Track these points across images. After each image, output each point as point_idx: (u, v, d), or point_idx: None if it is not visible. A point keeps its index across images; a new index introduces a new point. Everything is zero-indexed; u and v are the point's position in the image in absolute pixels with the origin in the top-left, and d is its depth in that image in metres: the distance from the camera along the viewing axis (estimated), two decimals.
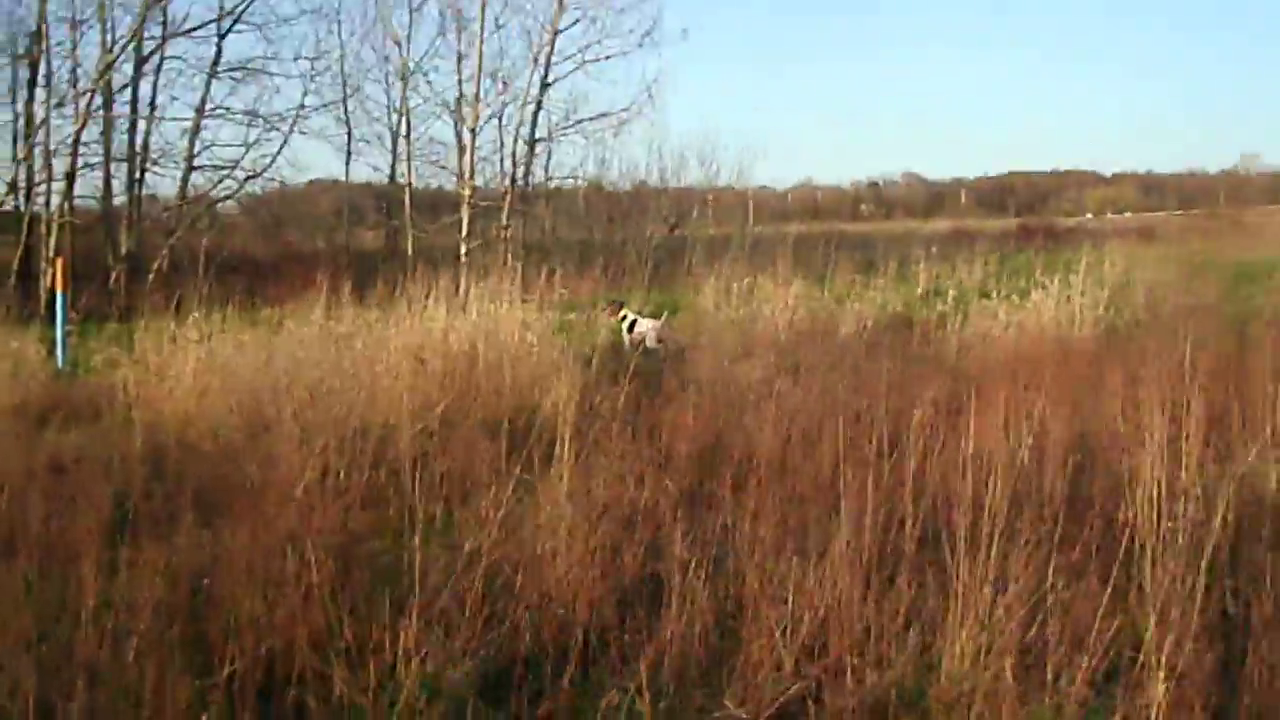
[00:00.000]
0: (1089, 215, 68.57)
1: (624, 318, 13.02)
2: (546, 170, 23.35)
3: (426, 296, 11.75)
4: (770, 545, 4.79)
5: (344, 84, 23.78)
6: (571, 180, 23.57)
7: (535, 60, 21.81)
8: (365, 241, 26.57)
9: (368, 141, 24.42)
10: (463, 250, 20.93)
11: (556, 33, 21.57)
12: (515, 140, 22.19)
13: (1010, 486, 4.70)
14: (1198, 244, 32.30)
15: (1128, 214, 68.30)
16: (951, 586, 4.13)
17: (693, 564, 4.41)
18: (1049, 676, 3.78)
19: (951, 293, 13.26)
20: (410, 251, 21.87)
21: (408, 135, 23.20)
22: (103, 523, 5.73)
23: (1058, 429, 6.11)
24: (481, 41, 21.41)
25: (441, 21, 23.08)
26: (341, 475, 6.45)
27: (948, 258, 22.66)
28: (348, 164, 24.62)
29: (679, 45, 40.99)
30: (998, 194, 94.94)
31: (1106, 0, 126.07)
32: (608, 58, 21.91)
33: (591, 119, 22.21)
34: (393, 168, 24.37)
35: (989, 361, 9.14)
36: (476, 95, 21.60)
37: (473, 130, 21.58)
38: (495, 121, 22.62)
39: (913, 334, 12.05)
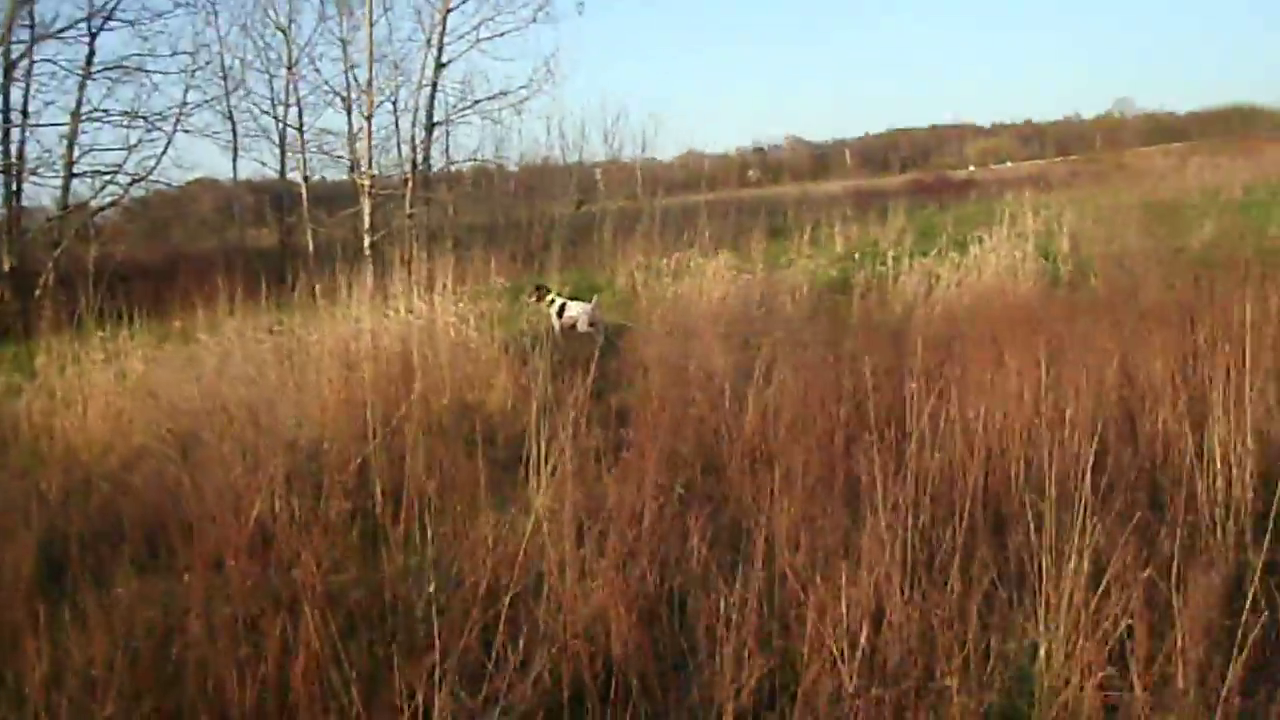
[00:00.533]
0: (972, 167, 69.62)
1: (551, 301, 12.50)
2: (446, 154, 22.55)
3: (345, 294, 11.17)
4: (801, 546, 4.38)
5: (225, 78, 22.72)
6: (471, 163, 22.80)
7: (428, 41, 20.98)
8: (258, 240, 25.54)
9: (254, 136, 23.45)
10: (366, 242, 20.12)
11: (448, 11, 20.69)
12: (413, 125, 21.39)
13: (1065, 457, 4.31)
14: (1092, 188, 32.77)
15: (1008, 163, 69.49)
16: (1029, 581, 3.73)
17: (723, 581, 3.98)
18: (1182, 683, 3.33)
19: (890, 253, 12.93)
20: (311, 247, 21.03)
21: (300, 127, 22.22)
22: (28, 577, 5.16)
23: (1076, 390, 5.72)
24: (371, 24, 20.54)
25: (323, 6, 22.17)
26: (296, 503, 5.89)
27: (854, 218, 22.48)
28: (235, 161, 23.64)
29: (575, 19, 40.06)
30: (881, 152, 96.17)
31: None
32: (502, 34, 21.07)
33: (490, 99, 21.40)
34: (282, 162, 23.42)
35: (954, 321, 8.80)
36: (369, 81, 20.76)
37: (367, 117, 20.68)
38: (389, 107, 21.83)
39: (853, 298, 11.73)
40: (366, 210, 20.32)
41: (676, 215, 22.33)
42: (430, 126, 21.23)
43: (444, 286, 10.63)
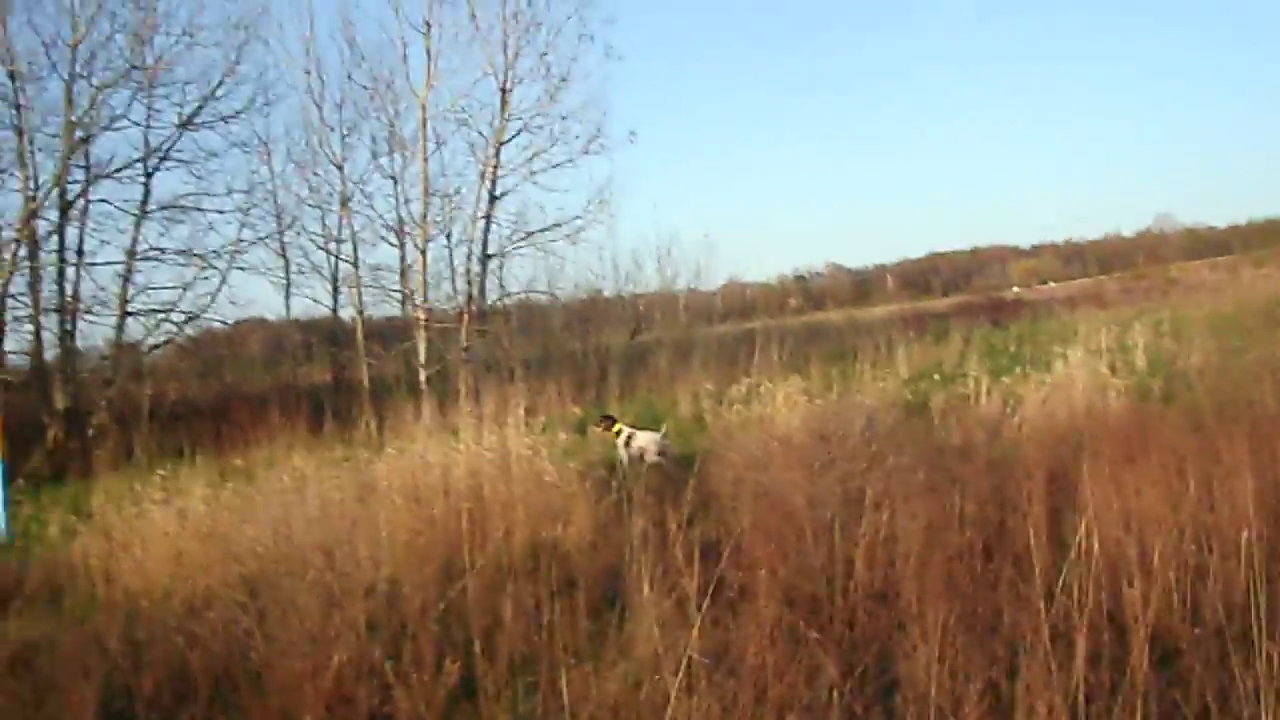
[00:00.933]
0: (1016, 288, 69.36)
1: (619, 432, 12.08)
2: (500, 285, 22.33)
3: (410, 427, 10.86)
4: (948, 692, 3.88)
5: (279, 216, 22.83)
6: (525, 294, 22.59)
7: (482, 175, 20.95)
8: (309, 377, 25.39)
9: (306, 273, 23.48)
10: (422, 376, 19.87)
11: (501, 144, 20.73)
12: (469, 257, 21.19)
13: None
14: (1150, 303, 32.31)
15: (1051, 284, 69.17)
16: None
17: None
18: None
19: (968, 373, 12.49)
20: (366, 382, 20.80)
21: (355, 262, 22.19)
22: None
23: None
24: (425, 159, 20.58)
25: (375, 143, 22.34)
26: (378, 653, 5.43)
27: (911, 340, 22.08)
28: (288, 298, 23.59)
29: (627, 149, 40.26)
30: (921, 276, 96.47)
31: (1008, 80, 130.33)
32: (556, 166, 21.05)
33: (544, 230, 21.24)
34: (335, 298, 23.36)
35: (1054, 441, 8.27)
36: (424, 214, 20.73)
37: (422, 250, 20.59)
38: (443, 240, 21.70)
39: (932, 420, 11.23)
40: (422, 344, 20.11)
41: (730, 343, 22.07)
42: (485, 259, 21.08)
43: (513, 418, 10.23)
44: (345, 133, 22.52)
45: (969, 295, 50.34)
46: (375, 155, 22.13)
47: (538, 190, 21.80)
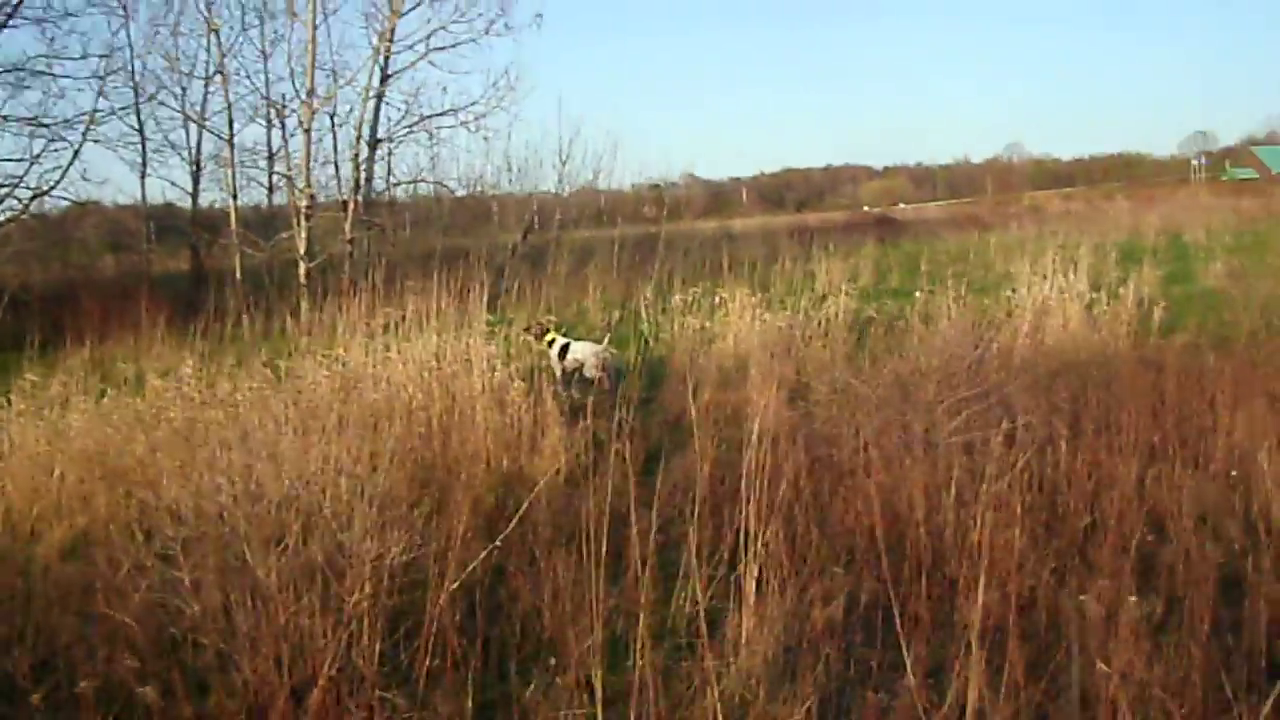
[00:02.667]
0: (866, 206, 69.85)
1: (551, 341, 10.63)
2: (390, 174, 20.41)
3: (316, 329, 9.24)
4: None
5: (136, 86, 20.30)
6: (415, 184, 20.54)
7: (375, 50, 18.65)
8: (162, 266, 22.96)
9: (161, 152, 21.04)
10: (301, 270, 17.85)
11: (399, 15, 18.49)
12: (358, 140, 19.00)
13: None
14: (1036, 228, 32.07)
15: (902, 205, 69.77)
16: None
17: None
18: None
19: (925, 289, 11.42)
20: (239, 275, 18.67)
21: (230, 138, 19.77)
22: None
23: None
24: (314, 27, 18.18)
25: (255, 7, 19.93)
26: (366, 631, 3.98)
27: (806, 256, 20.89)
28: (143, 179, 21.10)
29: (534, 36, 37.56)
30: (776, 191, 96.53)
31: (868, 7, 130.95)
32: (455, 45, 19.00)
33: (441, 114, 19.30)
34: (195, 180, 20.98)
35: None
36: (310, 89, 18.41)
37: (306, 129, 18.29)
38: (327, 122, 19.49)
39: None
40: (302, 234, 18.03)
41: (631, 249, 20.59)
42: (374, 143, 19.03)
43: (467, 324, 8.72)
44: None
45: (852, 212, 49.88)
46: (246, 27, 19.80)
47: (435, 73, 19.64)
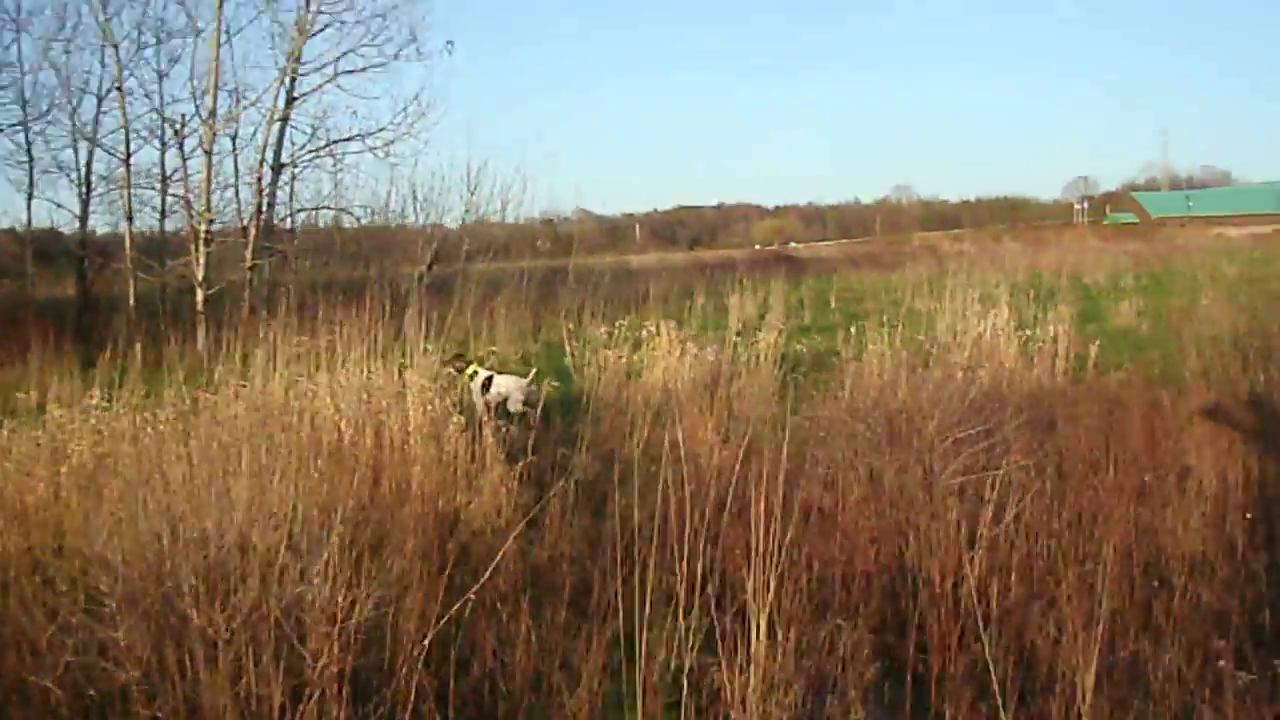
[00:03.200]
0: (757, 245, 70.71)
1: (473, 374, 10.21)
2: (292, 200, 19.66)
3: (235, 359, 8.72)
4: None
5: (24, 104, 19.35)
6: (320, 210, 19.80)
7: (282, 72, 17.93)
8: (45, 293, 21.84)
9: (50, 174, 20.03)
10: (199, 297, 17.02)
11: (305, 37, 17.75)
12: (262, 164, 18.22)
13: None
14: (938, 267, 32.48)
15: (795, 244, 70.71)
16: None
17: None
18: None
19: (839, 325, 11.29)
20: (132, 301, 17.77)
21: (127, 159, 18.79)
22: None
23: None
24: (218, 45, 17.43)
25: (153, 24, 19.05)
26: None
27: (715, 291, 20.72)
28: (29, 200, 20.07)
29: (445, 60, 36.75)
30: (669, 227, 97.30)
31: (759, 46, 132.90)
32: (363, 70, 18.46)
33: (348, 139, 18.65)
34: (84, 204, 19.93)
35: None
36: (213, 109, 17.66)
37: (207, 151, 17.48)
38: (228, 144, 18.69)
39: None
40: (200, 260, 17.19)
41: (539, 283, 20.20)
42: (277, 167, 18.30)
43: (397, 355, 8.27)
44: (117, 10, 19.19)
45: (766, 249, 50.02)
46: (143, 45, 18.85)
47: (343, 96, 18.94)
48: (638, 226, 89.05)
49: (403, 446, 6.87)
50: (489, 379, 10.13)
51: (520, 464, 6.89)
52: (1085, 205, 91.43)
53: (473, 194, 20.30)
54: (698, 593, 4.87)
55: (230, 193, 18.65)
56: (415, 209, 20.37)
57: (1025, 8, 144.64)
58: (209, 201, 17.30)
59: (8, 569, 5.35)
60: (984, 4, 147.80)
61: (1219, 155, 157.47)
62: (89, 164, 19.76)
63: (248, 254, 17.51)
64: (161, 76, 18.95)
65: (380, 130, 18.73)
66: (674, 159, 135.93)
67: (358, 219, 19.81)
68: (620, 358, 10.85)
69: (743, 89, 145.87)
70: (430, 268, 19.93)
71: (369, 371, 7.90)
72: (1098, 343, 10.30)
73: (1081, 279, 24.98)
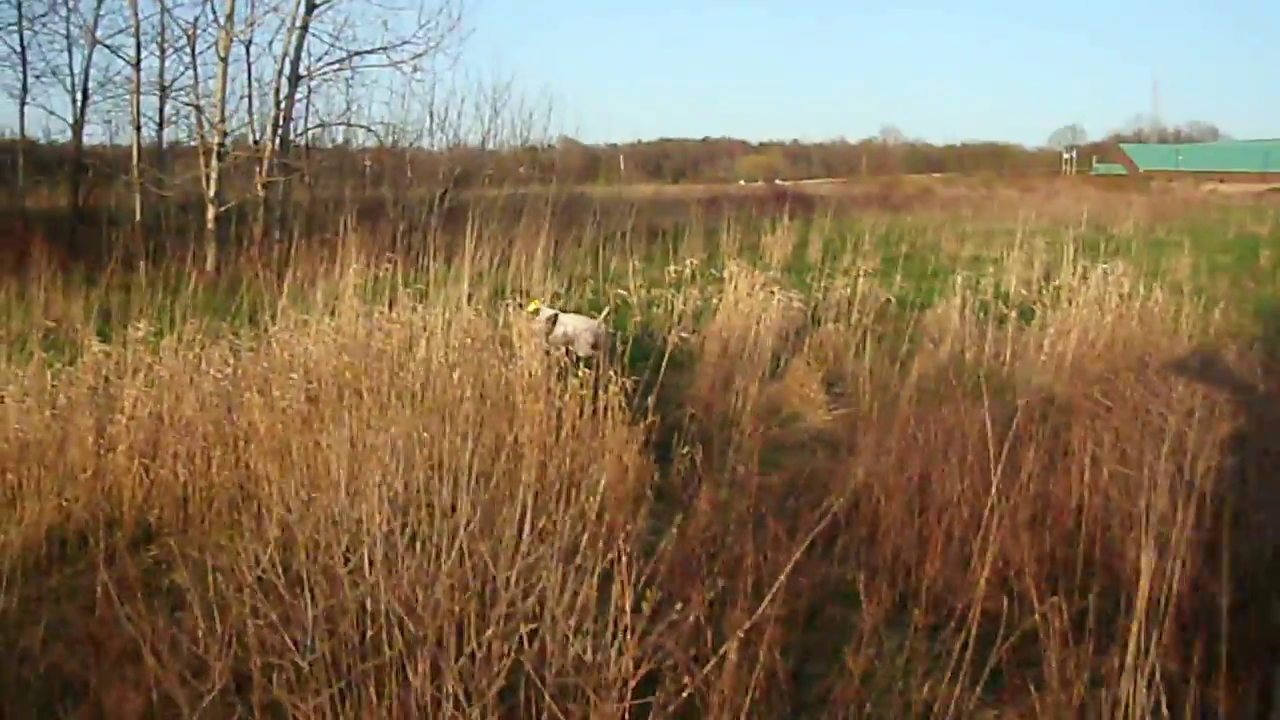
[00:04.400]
0: (742, 180, 69.70)
1: (535, 310, 9.23)
2: (312, 115, 18.30)
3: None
4: None
5: (19, 2, 18.04)
6: (333, 130, 18.63)
7: None
8: (40, 203, 20.58)
9: (43, 79, 18.80)
10: (210, 215, 15.91)
11: None
12: (279, 75, 16.79)
13: None
14: (943, 213, 31.72)
15: (780, 181, 69.71)
16: None
17: None
18: None
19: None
20: (139, 217, 16.58)
21: (137, 63, 17.43)
22: None
23: None
24: None
25: None
26: None
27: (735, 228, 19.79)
28: (22, 106, 18.74)
29: None
30: (653, 160, 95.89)
31: None
32: None
33: (371, 51, 17.30)
34: (80, 112, 18.64)
35: None
36: (230, 12, 16.19)
37: (223, 58, 16.07)
38: (242, 52, 17.25)
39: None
40: (214, 175, 16.00)
41: (562, 212, 19.16)
42: (295, 79, 16.97)
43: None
44: None
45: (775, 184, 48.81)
46: None
47: (366, 7, 17.65)
48: (622, 158, 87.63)
49: (506, 398, 5.97)
50: (553, 317, 9.19)
51: (644, 422, 6.03)
52: (1073, 155, 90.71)
53: (496, 115, 19.16)
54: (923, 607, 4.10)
55: (244, 104, 17.41)
56: (432, 129, 19.21)
57: None
58: (223, 112, 16.08)
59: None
60: None
61: (1207, 110, 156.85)
62: (87, 69, 18.49)
63: (261, 170, 16.35)
64: None
65: (404, 43, 17.48)
66: (659, 92, 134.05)
67: (378, 137, 18.60)
68: (695, 301, 9.96)
69: (730, 26, 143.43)
70: (446, 192, 18.86)
71: (449, 307, 6.96)
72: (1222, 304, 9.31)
73: (1109, 230, 24.08)
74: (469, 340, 6.38)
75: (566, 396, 5.93)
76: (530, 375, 5.99)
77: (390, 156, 18.92)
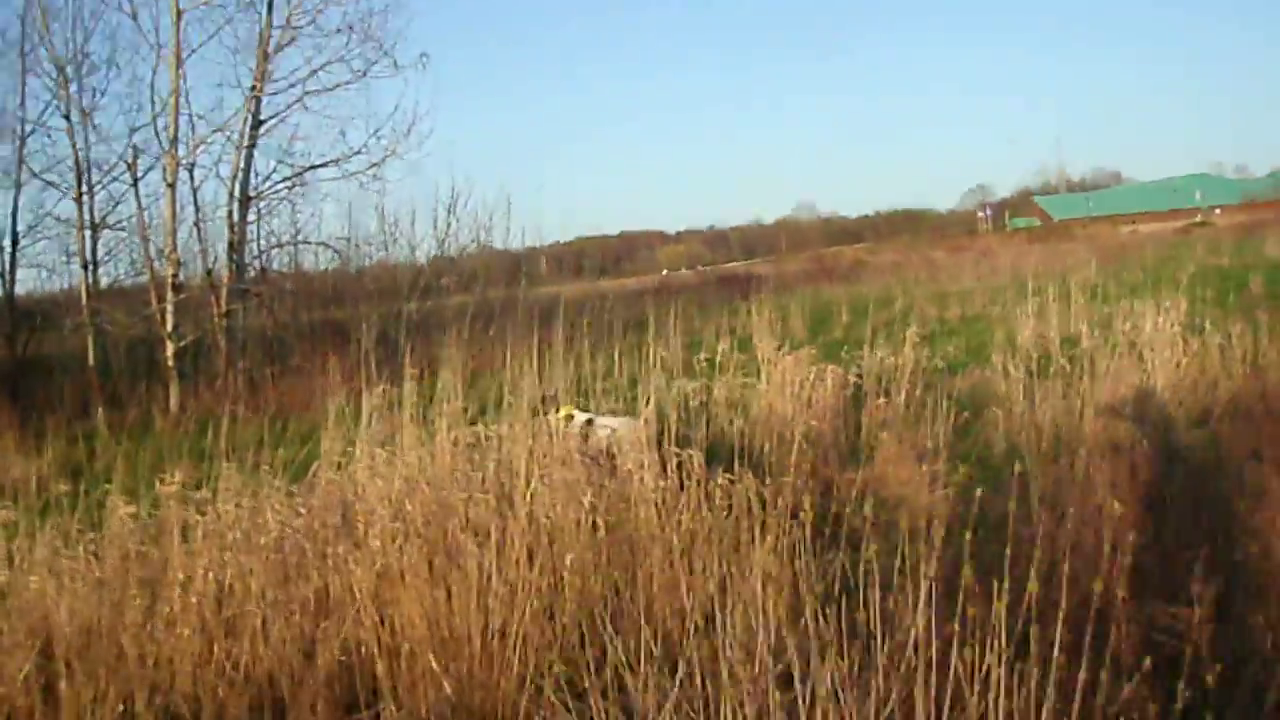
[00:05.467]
0: (664, 271, 69.87)
1: (569, 416, 8.34)
2: (268, 237, 17.15)
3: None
4: None
5: None
6: (290, 250, 17.55)
7: (253, 88, 15.69)
8: None
9: None
10: (169, 351, 14.74)
11: (267, 54, 15.46)
12: (231, 196, 15.88)
13: None
14: (893, 280, 31.45)
15: (701, 267, 70.12)
16: None
17: None
18: None
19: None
20: (91, 359, 15.36)
21: (89, 191, 16.30)
22: None
23: None
24: (180, 62, 15.06)
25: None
26: None
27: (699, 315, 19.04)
28: None
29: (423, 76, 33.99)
30: (573, 258, 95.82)
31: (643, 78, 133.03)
32: (331, 89, 16.31)
33: (323, 165, 16.50)
34: (11, 254, 17.40)
35: None
36: (174, 137, 15.33)
37: (170, 184, 15.09)
38: (185, 176, 16.08)
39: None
40: (169, 309, 14.93)
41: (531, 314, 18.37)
42: (246, 200, 16.09)
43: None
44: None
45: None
46: (61, 81, 16.32)
47: (313, 120, 16.70)
48: (544, 259, 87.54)
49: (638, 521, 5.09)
50: (589, 421, 8.34)
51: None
52: (988, 212, 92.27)
53: (451, 220, 18.38)
54: None
55: (194, 231, 16.29)
56: (389, 241, 18.34)
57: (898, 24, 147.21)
58: (175, 241, 15.03)
59: None
60: (868, 20, 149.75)
61: (1108, 155, 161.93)
62: (14, 211, 17.31)
63: (220, 299, 15.24)
64: (87, 115, 16.55)
65: (356, 154, 16.60)
66: (570, 190, 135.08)
67: (337, 253, 17.61)
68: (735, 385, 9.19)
69: (639, 117, 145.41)
70: (412, 304, 17.96)
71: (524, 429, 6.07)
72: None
73: (1086, 281, 23.79)
74: (562, 458, 5.49)
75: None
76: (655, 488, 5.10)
77: (344, 274, 17.96)
